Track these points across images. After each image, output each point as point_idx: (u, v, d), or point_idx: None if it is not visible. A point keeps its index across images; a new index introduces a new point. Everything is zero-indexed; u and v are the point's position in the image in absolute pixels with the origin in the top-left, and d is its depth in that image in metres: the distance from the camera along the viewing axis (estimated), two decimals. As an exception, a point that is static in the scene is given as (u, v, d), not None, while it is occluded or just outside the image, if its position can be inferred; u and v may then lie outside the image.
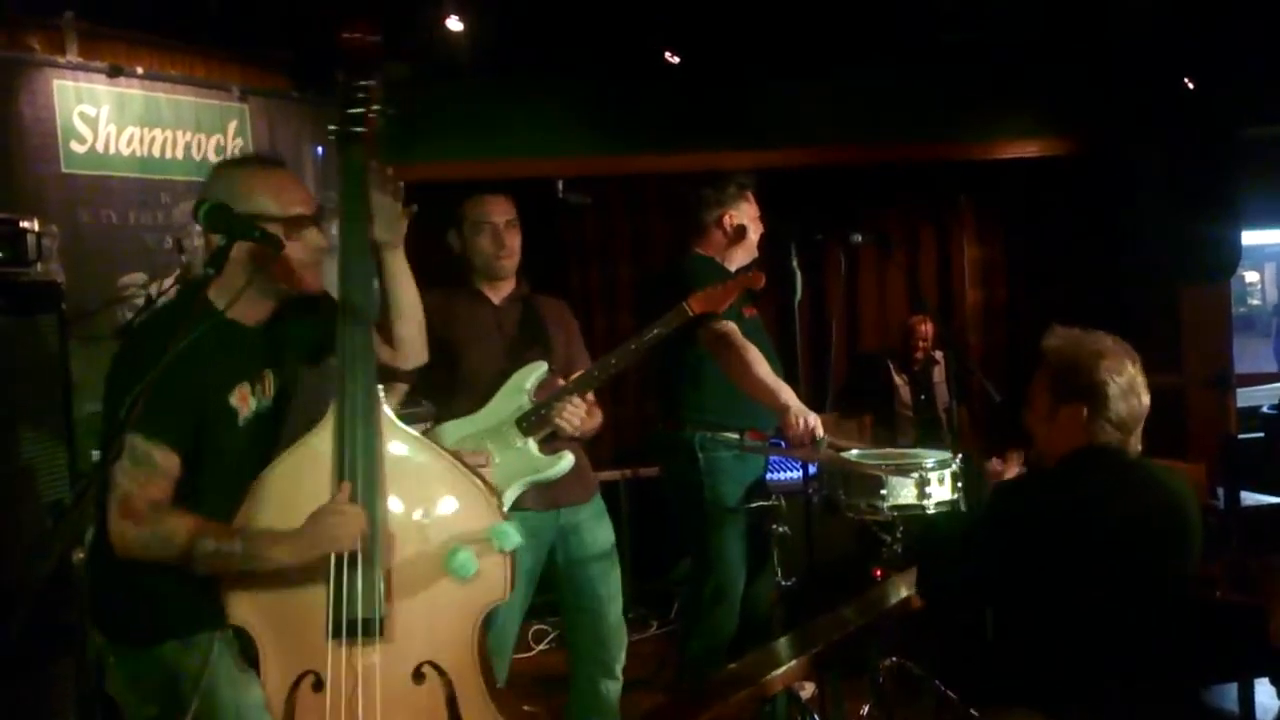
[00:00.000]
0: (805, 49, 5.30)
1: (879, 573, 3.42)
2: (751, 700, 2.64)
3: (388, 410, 2.13)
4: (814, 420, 3.11)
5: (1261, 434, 4.95)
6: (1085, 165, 5.91)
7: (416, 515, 2.13)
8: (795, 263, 3.37)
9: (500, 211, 3.09)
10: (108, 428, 2.13)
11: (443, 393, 3.01)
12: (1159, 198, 5.56)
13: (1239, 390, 5.73)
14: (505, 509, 2.51)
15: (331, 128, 2.12)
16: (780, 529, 3.40)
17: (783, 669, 2.56)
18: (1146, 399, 2.25)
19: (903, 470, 3.26)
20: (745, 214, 3.59)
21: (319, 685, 2.06)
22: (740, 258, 3.60)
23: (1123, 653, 2.18)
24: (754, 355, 3.29)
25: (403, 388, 2.65)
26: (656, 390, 3.73)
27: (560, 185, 3.68)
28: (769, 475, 3.75)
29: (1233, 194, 5.41)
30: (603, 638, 3.15)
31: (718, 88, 5.55)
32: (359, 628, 2.04)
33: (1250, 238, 5.96)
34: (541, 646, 4.79)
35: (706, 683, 2.86)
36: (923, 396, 5.67)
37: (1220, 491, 4.56)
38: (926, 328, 5.71)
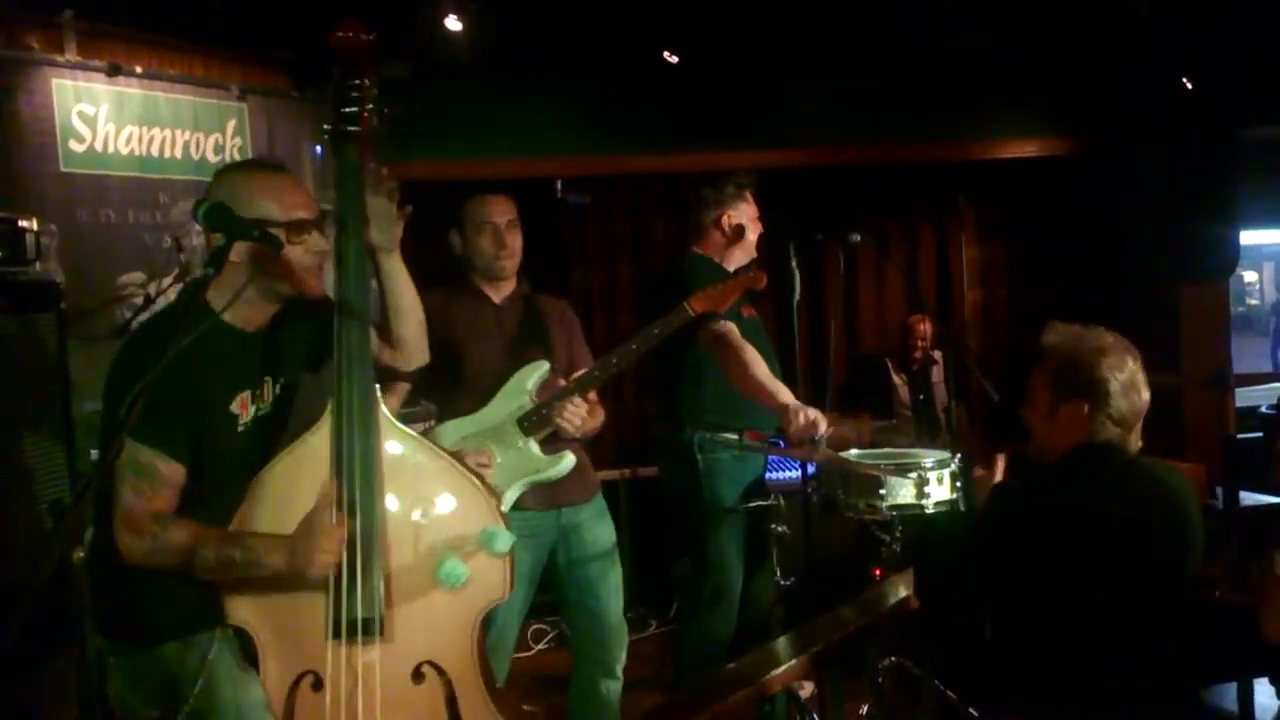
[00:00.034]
0: (805, 50, 5.30)
1: (878, 572, 3.42)
2: (750, 700, 2.64)
3: (385, 410, 2.13)
4: (814, 413, 3.11)
5: (1260, 434, 4.96)
6: (1084, 165, 5.91)
7: (415, 515, 2.12)
8: (794, 263, 3.37)
9: (501, 212, 3.09)
10: (107, 427, 2.13)
11: (444, 392, 3.01)
12: (1158, 198, 5.56)
13: (1237, 390, 5.73)
14: (506, 509, 2.51)
15: (326, 127, 2.12)
16: (779, 529, 3.40)
17: (782, 669, 2.56)
18: (1147, 395, 2.25)
19: (902, 470, 3.27)
20: (744, 214, 3.59)
21: (319, 685, 2.06)
22: (739, 257, 3.61)
23: (1123, 652, 2.18)
24: (752, 355, 3.29)
25: (404, 387, 2.66)
26: (656, 390, 3.73)
27: (560, 185, 3.68)
28: (768, 475, 3.74)
29: (1232, 194, 5.41)
30: (603, 637, 3.15)
31: (718, 88, 5.55)
32: (358, 628, 2.04)
33: (1248, 237, 5.97)
34: (541, 646, 4.79)
35: (705, 682, 2.86)
36: (921, 396, 5.68)
37: (1219, 491, 4.57)
38: (925, 327, 5.71)
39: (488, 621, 2.22)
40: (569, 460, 2.97)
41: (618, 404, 5.49)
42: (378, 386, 2.12)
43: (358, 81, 2.08)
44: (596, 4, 4.67)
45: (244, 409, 2.14)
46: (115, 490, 1.99)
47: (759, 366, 3.27)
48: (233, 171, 2.23)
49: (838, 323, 5.86)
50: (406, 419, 2.25)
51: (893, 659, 3.66)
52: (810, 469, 3.29)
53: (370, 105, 2.10)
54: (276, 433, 2.23)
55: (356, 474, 2.04)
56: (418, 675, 2.09)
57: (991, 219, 6.19)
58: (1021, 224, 6.14)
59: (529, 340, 3.09)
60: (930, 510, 3.19)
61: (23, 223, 3.06)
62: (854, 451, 3.78)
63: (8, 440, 2.96)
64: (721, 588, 3.46)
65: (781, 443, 3.32)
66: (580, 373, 3.05)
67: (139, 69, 4.08)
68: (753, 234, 3.60)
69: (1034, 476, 2.38)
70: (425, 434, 2.40)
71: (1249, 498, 4.50)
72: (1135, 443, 2.28)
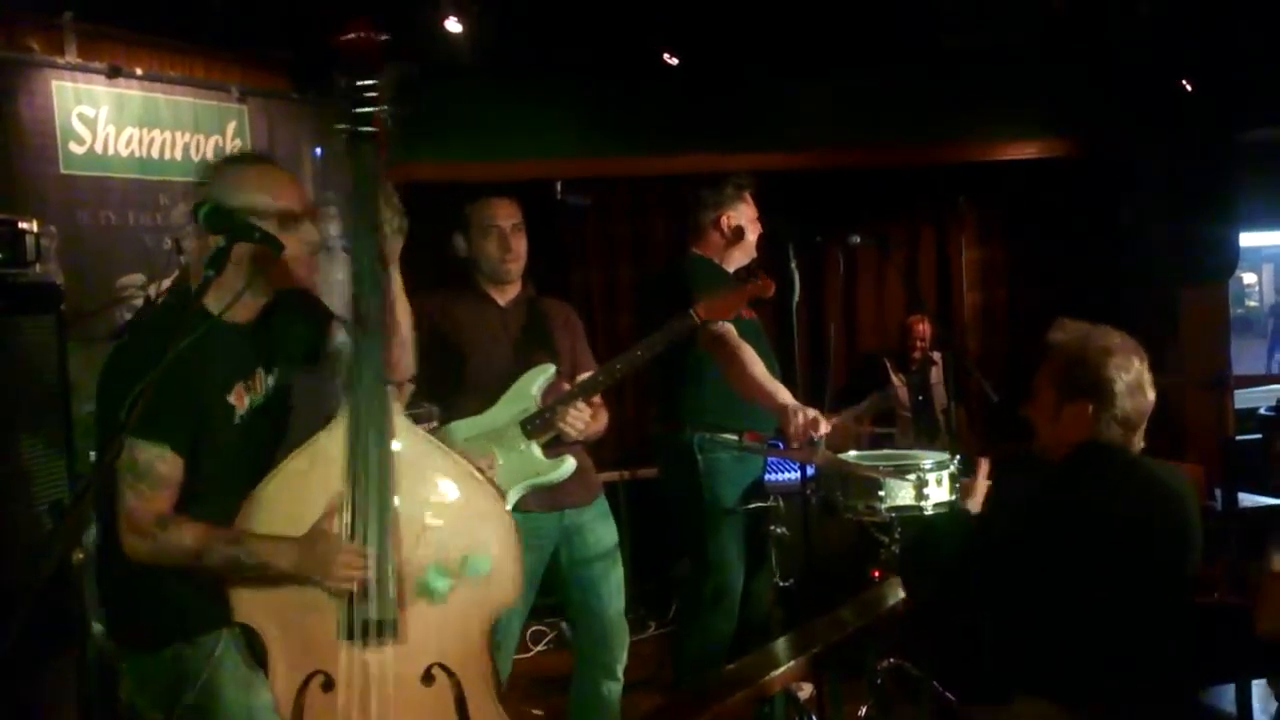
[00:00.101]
0: (805, 51, 5.30)
1: (877, 574, 3.43)
2: (750, 701, 2.65)
3: (400, 413, 2.12)
4: (814, 413, 3.11)
5: (1259, 435, 4.96)
6: (1084, 167, 5.91)
7: (428, 517, 2.12)
8: (794, 264, 3.37)
9: (506, 215, 3.09)
10: (103, 430, 2.13)
11: (448, 394, 3.01)
12: (1158, 199, 5.57)
13: (1236, 392, 5.73)
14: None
15: (341, 126, 2.09)
16: (779, 530, 3.40)
17: (781, 670, 2.56)
18: (1152, 395, 2.24)
19: (901, 472, 3.27)
20: (743, 215, 3.60)
21: (328, 685, 2.05)
22: (738, 258, 3.61)
23: (1123, 653, 2.18)
24: (750, 355, 3.29)
25: (408, 389, 2.66)
26: (656, 392, 3.73)
27: (560, 187, 3.69)
28: (767, 476, 3.75)
29: (1231, 195, 5.42)
30: (605, 638, 3.16)
31: (718, 89, 5.55)
32: (371, 629, 2.04)
33: (1247, 239, 5.98)
34: (541, 647, 4.79)
35: (705, 684, 2.86)
36: (920, 397, 5.68)
37: (1218, 493, 4.57)
38: (924, 328, 5.72)
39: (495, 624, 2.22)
40: (569, 464, 2.97)
41: (618, 405, 5.49)
42: (390, 387, 2.11)
43: (372, 82, 2.07)
44: (596, 5, 4.67)
45: (240, 400, 2.15)
46: (116, 492, 2.00)
47: (757, 366, 3.27)
48: (222, 165, 2.23)
49: (837, 324, 5.86)
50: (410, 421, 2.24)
51: (891, 660, 3.66)
52: (809, 470, 3.29)
53: (385, 106, 2.09)
54: (272, 429, 2.24)
55: (372, 479, 2.03)
56: (428, 677, 2.09)
57: (991, 220, 6.19)
58: (1021, 225, 6.14)
59: (533, 343, 3.09)
60: (929, 512, 3.20)
61: (23, 224, 3.06)
62: (853, 453, 3.79)
63: (7, 441, 2.96)
64: (722, 588, 3.46)
65: (781, 444, 3.33)
66: (584, 377, 3.05)
67: (139, 71, 4.08)
68: (752, 235, 3.61)
69: (1035, 476, 2.37)
70: (433, 435, 2.40)
71: (1248, 499, 4.51)
72: (1139, 443, 2.27)
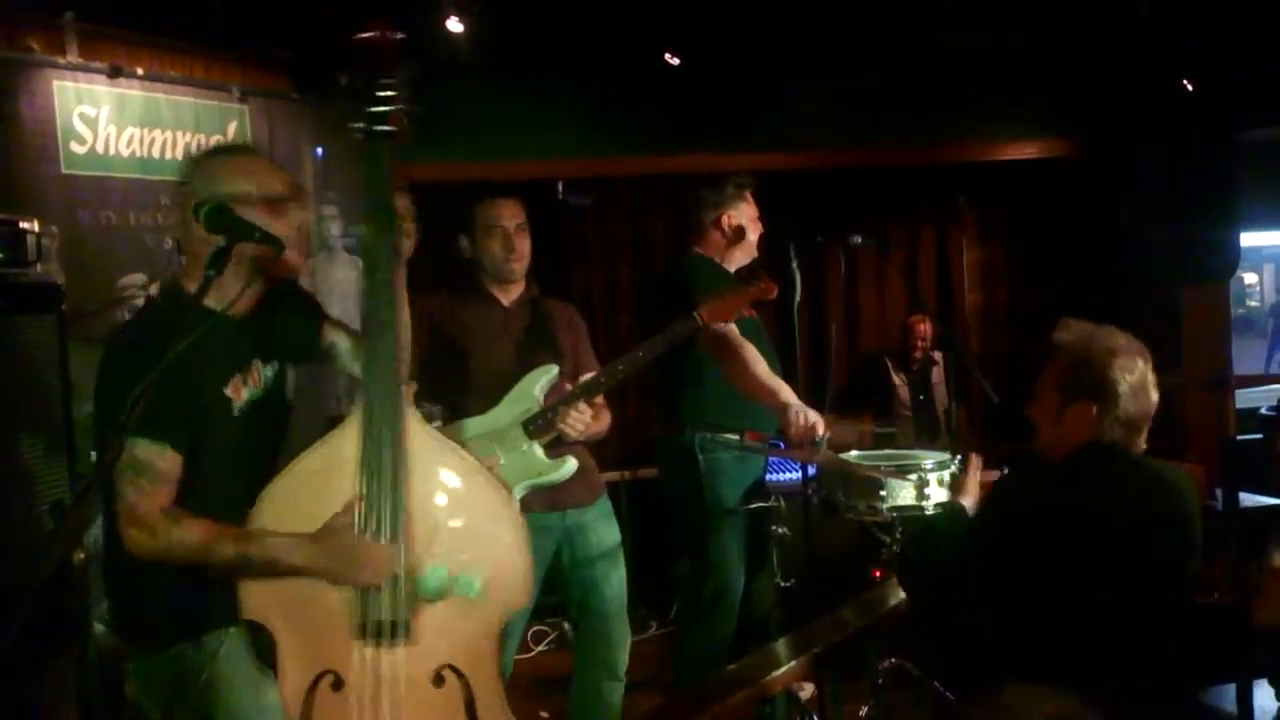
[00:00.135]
0: (806, 51, 5.30)
1: (878, 574, 3.43)
2: (750, 701, 2.65)
3: (414, 414, 2.11)
4: (814, 417, 3.11)
5: (1260, 435, 4.96)
6: (1085, 167, 5.92)
7: (443, 518, 2.11)
8: (795, 264, 3.37)
9: (510, 215, 3.10)
10: (102, 430, 2.12)
11: (451, 394, 3.01)
12: (1158, 199, 5.57)
13: (1237, 391, 5.73)
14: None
15: (356, 125, 2.07)
16: (780, 530, 3.41)
17: (782, 670, 2.56)
18: (1155, 397, 2.24)
19: (902, 471, 3.27)
20: (744, 214, 3.60)
21: (338, 685, 2.05)
22: (739, 258, 3.61)
23: (1124, 653, 2.18)
24: (752, 355, 3.29)
25: (411, 388, 2.65)
26: (657, 392, 3.73)
27: (561, 186, 3.69)
28: (768, 476, 3.75)
29: (1232, 195, 5.41)
30: (607, 638, 3.16)
31: (719, 89, 5.55)
32: (384, 630, 2.03)
33: (1248, 239, 5.97)
34: (541, 647, 4.79)
35: (706, 684, 2.86)
36: (921, 397, 5.68)
37: (1218, 493, 4.57)
38: (925, 327, 5.72)
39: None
40: (571, 465, 2.97)
41: (619, 405, 5.49)
42: (403, 389, 2.11)
43: (389, 81, 2.06)
44: (597, 5, 4.67)
45: (237, 393, 2.14)
46: (117, 490, 1.99)
47: (759, 365, 3.28)
48: (203, 158, 2.22)
49: (838, 324, 5.86)
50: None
51: (892, 660, 3.66)
52: (811, 470, 3.29)
53: (402, 104, 2.08)
54: (271, 423, 2.23)
55: (386, 477, 2.03)
56: (438, 679, 2.08)
57: (992, 220, 6.20)
58: (1022, 225, 6.15)
59: (537, 344, 3.09)
60: (930, 511, 3.20)
61: (24, 224, 3.06)
62: (854, 453, 3.79)
63: (8, 441, 2.96)
64: (722, 588, 3.46)
65: (782, 444, 3.33)
66: (586, 378, 3.06)
67: (140, 71, 4.08)
68: (753, 234, 3.61)
69: (1036, 476, 2.37)
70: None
71: (1248, 499, 4.50)
72: (1140, 444, 2.27)
